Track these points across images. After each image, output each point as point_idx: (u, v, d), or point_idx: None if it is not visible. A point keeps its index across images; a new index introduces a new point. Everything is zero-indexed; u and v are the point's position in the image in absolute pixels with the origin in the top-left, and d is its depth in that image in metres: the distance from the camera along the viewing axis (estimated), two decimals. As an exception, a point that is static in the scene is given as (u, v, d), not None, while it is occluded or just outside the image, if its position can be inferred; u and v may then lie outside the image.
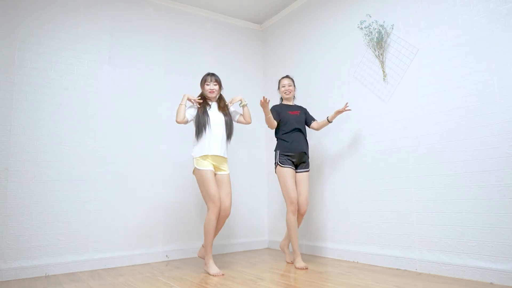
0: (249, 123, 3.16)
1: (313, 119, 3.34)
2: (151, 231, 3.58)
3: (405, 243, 2.86)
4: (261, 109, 3.37)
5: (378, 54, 3.13)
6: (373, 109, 3.18)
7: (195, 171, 2.94)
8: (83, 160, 3.31)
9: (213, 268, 2.85)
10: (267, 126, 3.25)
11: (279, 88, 3.38)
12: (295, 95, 3.45)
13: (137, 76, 3.69)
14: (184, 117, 2.92)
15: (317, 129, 3.33)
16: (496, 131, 2.38)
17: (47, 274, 3.03)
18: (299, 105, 3.45)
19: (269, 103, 3.17)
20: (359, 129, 3.30)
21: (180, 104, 2.92)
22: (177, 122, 2.92)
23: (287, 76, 3.37)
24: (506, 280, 2.28)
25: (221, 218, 2.97)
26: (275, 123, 3.19)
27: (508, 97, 2.34)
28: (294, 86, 3.37)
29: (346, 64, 3.46)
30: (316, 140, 3.72)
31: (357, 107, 3.33)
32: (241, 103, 3.10)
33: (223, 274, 2.82)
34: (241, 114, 3.15)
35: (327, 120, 3.23)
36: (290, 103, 3.35)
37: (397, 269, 2.87)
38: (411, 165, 2.85)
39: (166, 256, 3.61)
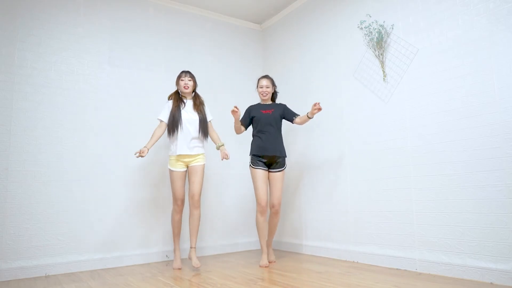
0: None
1: (295, 115, 3.24)
2: (151, 231, 3.58)
3: (405, 243, 2.86)
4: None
5: (378, 54, 3.13)
6: (373, 109, 3.18)
7: (169, 170, 3.17)
8: (83, 160, 3.31)
9: (175, 262, 3.16)
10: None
11: (257, 87, 3.33)
12: (277, 92, 3.45)
13: (137, 76, 3.69)
14: (160, 134, 3.13)
15: (300, 124, 3.24)
16: (496, 131, 2.38)
17: (47, 274, 3.03)
18: (278, 103, 3.41)
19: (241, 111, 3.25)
20: (359, 129, 3.30)
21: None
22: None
23: (266, 76, 3.32)
24: (506, 280, 2.28)
25: (190, 206, 3.13)
26: (242, 129, 3.26)
27: (508, 97, 2.34)
28: (274, 86, 3.34)
29: (346, 64, 3.46)
30: (315, 139, 3.72)
31: (357, 107, 3.33)
32: (217, 146, 3.24)
33: (179, 268, 3.10)
34: (212, 131, 3.30)
35: (307, 116, 3.12)
36: (267, 103, 3.34)
37: (397, 269, 2.87)
38: (411, 165, 2.85)
39: (166, 256, 3.61)
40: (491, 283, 2.34)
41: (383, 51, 3.11)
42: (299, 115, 3.26)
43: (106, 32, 3.58)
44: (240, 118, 3.26)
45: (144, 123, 3.67)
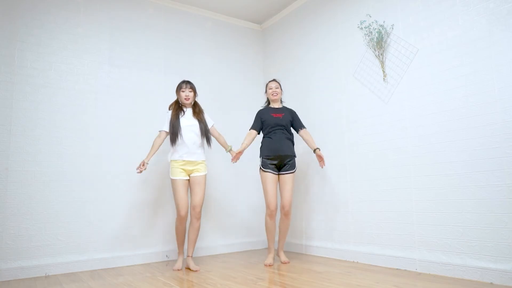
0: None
1: (302, 127, 3.37)
2: (151, 231, 3.58)
3: (405, 243, 2.86)
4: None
5: (378, 54, 3.13)
6: (373, 109, 3.18)
7: (171, 180, 3.13)
8: (83, 160, 3.31)
9: (177, 263, 3.13)
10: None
11: (266, 91, 3.44)
12: (282, 100, 3.52)
13: (137, 76, 3.69)
14: (159, 143, 3.15)
15: (303, 138, 3.37)
16: (496, 131, 2.38)
17: (47, 274, 3.03)
18: (289, 107, 3.52)
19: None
20: (359, 129, 3.30)
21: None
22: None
23: (274, 80, 3.44)
24: (506, 280, 2.28)
25: (191, 217, 3.13)
26: (254, 134, 3.30)
27: (508, 97, 2.34)
28: (281, 89, 3.44)
29: (346, 64, 3.46)
30: (315, 139, 3.71)
31: (357, 107, 3.33)
32: (226, 149, 3.32)
33: (179, 269, 3.07)
34: (213, 132, 3.33)
35: (313, 151, 3.29)
36: (276, 106, 3.40)
37: (397, 269, 2.87)
38: (411, 165, 2.85)
39: (166, 256, 3.61)
40: (491, 283, 2.34)
41: (383, 51, 3.11)
42: (305, 127, 3.39)
43: (106, 32, 3.58)
44: (252, 126, 3.35)
45: (144, 122, 3.67)
